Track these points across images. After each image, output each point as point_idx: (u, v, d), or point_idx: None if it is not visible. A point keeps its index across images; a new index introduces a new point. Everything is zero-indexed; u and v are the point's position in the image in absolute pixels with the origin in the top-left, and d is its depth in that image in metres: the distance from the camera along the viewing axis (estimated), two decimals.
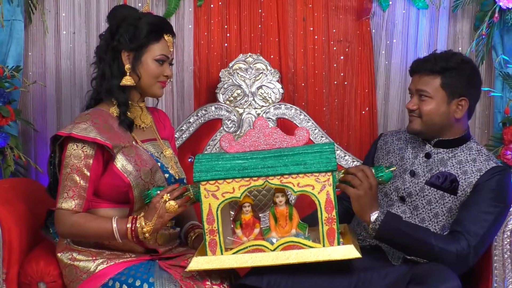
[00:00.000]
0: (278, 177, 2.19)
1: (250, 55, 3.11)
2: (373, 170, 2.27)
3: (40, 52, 3.18)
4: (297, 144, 2.27)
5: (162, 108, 3.17)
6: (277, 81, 3.13)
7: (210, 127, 3.09)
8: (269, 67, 3.11)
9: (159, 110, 2.72)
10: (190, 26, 3.21)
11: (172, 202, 2.26)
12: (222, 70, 3.12)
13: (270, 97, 3.10)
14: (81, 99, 3.12)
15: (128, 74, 2.43)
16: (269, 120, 3.04)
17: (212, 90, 3.17)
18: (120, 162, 2.36)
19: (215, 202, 2.21)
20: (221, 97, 3.10)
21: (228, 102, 3.10)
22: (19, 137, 3.10)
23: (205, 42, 3.24)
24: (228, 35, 3.23)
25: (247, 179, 2.20)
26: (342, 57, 3.30)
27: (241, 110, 3.09)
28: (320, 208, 2.18)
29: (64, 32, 3.17)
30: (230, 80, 3.10)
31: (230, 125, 3.08)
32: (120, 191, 2.36)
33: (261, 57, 3.12)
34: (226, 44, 3.24)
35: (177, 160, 2.60)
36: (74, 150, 2.33)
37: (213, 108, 3.09)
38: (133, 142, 2.44)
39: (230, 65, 3.12)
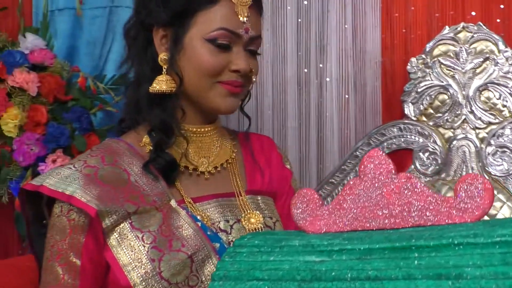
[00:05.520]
0: None
1: (464, 27, 1.77)
2: None
3: None
4: (466, 217, 0.98)
5: (331, 131, 2.02)
6: None
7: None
8: (502, 47, 1.73)
9: (261, 138, 1.59)
10: None
11: None
12: (411, 59, 1.83)
13: (506, 105, 1.72)
14: None
15: (165, 71, 1.38)
16: (502, 152, 1.67)
17: None
18: (120, 242, 1.31)
19: None
20: (410, 109, 1.81)
21: (424, 118, 1.80)
22: None
23: (401, 13, 1.98)
24: None
25: None
26: None
27: (448, 132, 1.77)
28: None
29: None
30: (427, 77, 1.79)
31: (427, 161, 1.77)
32: None
33: (485, 28, 1.76)
34: (437, 15, 1.93)
35: None
36: (57, 216, 1.35)
37: (395, 130, 1.81)
38: (172, 202, 1.36)
39: (427, 48, 1.82)
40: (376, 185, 1.04)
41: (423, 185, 1.01)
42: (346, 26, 2.03)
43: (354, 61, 2.03)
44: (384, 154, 1.04)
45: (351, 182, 1.06)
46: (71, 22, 2.14)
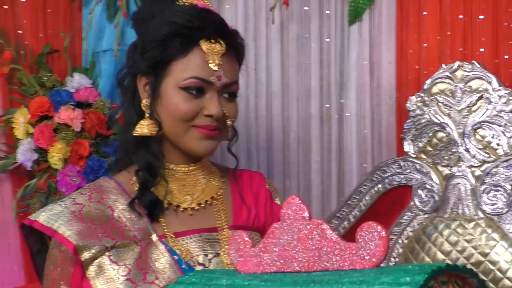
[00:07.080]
0: None
1: (459, 65, 1.77)
2: None
3: None
4: (365, 264, 1.03)
5: (350, 165, 2.07)
6: None
7: (392, 202, 1.84)
8: (495, 85, 1.72)
9: (252, 175, 1.67)
10: (389, 24, 2.04)
11: None
12: (410, 97, 1.85)
13: (499, 144, 1.71)
14: None
15: (147, 116, 1.51)
16: (496, 190, 1.66)
17: None
18: (98, 274, 1.43)
19: None
20: (410, 146, 1.83)
21: (423, 155, 1.81)
22: None
23: (415, 50, 2.00)
24: (449, 33, 1.93)
25: None
26: None
27: (445, 170, 1.77)
28: None
29: None
30: (426, 115, 1.81)
31: (425, 198, 1.78)
32: None
33: (479, 67, 1.75)
34: (448, 51, 1.94)
35: None
36: (52, 248, 1.50)
37: (395, 167, 1.83)
38: (153, 236, 1.48)
39: (425, 86, 1.82)
40: (294, 230, 1.10)
41: (331, 231, 1.07)
42: (365, 62, 2.08)
43: (371, 96, 2.07)
44: (300, 200, 1.11)
45: (274, 226, 1.13)
46: (114, 62, 2.29)
